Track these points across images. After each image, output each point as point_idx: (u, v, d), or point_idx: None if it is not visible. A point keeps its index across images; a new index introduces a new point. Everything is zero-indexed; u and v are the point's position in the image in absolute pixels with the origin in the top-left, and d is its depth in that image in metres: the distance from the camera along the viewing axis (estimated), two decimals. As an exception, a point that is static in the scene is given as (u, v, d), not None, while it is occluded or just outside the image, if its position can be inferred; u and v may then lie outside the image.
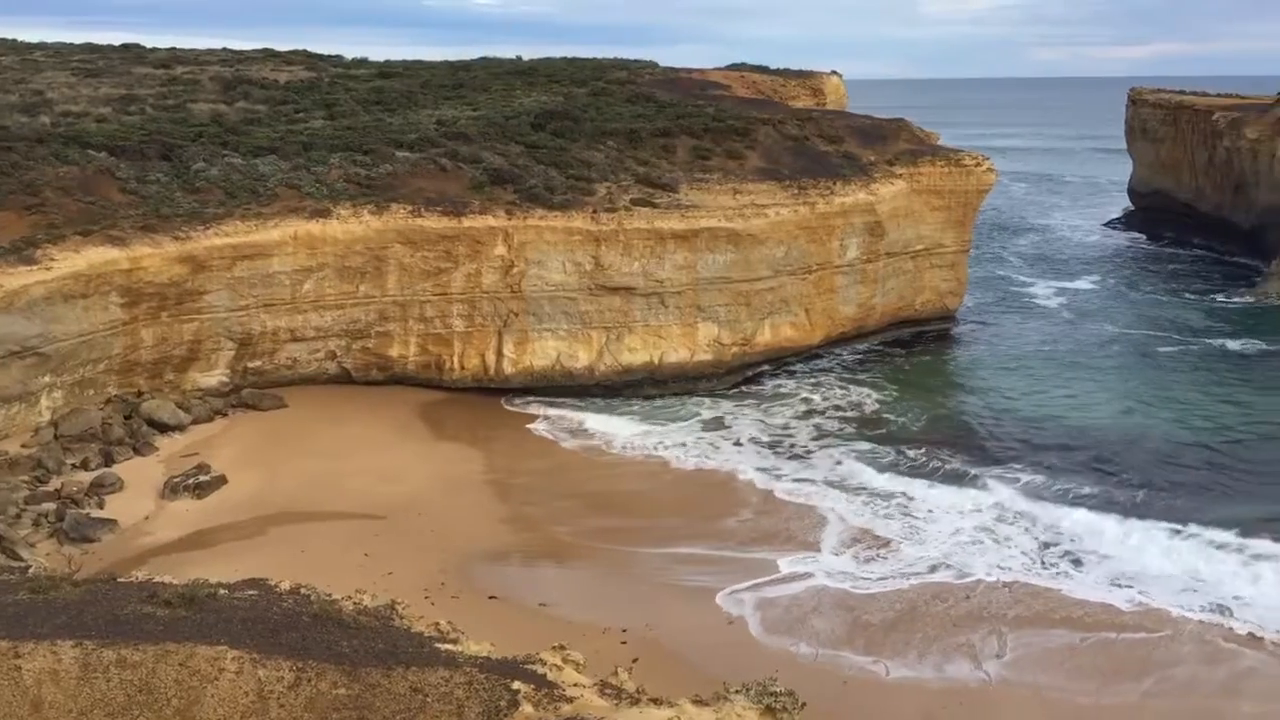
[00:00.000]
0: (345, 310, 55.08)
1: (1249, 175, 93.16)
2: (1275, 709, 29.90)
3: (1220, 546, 39.42)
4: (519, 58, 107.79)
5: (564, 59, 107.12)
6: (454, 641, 14.78)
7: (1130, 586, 36.76)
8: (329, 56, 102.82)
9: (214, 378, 53.00)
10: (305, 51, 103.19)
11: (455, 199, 56.65)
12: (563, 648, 14.80)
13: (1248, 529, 40.58)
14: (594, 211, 56.78)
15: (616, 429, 52.60)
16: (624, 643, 32.06)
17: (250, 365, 54.05)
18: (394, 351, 56.25)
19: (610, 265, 56.45)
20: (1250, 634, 33.64)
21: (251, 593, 16.57)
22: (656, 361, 58.15)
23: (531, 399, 56.32)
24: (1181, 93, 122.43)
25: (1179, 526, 41.22)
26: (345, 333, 55.55)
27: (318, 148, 61.05)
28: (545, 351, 56.89)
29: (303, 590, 16.79)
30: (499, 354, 56.55)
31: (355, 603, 16.35)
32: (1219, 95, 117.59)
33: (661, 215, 57.43)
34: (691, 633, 33.51)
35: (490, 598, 35.25)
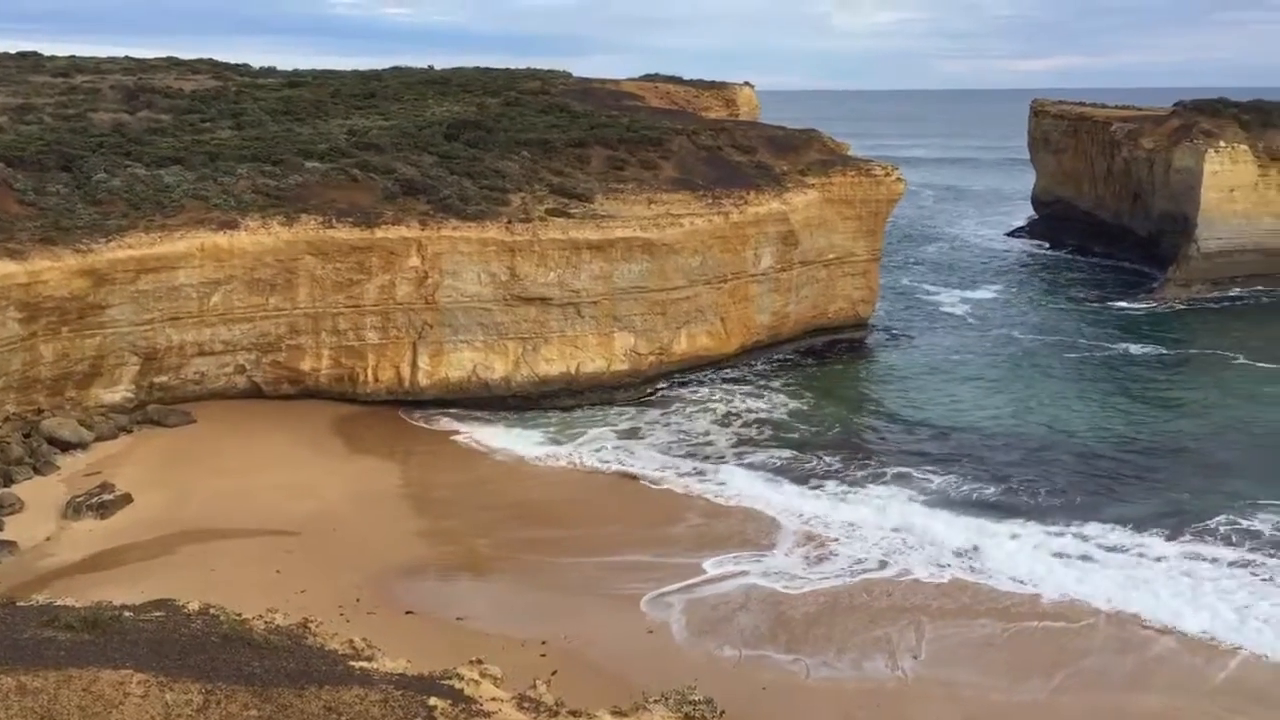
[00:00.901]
0: (255, 323, 54.04)
1: (1146, 184, 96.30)
2: (1167, 700, 30.85)
3: (1115, 549, 40.49)
4: (431, 67, 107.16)
5: (477, 69, 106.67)
6: (369, 659, 14.54)
7: (1036, 585, 37.61)
8: (236, 65, 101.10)
9: (118, 394, 51.55)
10: (211, 60, 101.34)
11: (368, 210, 55.97)
12: (480, 662, 14.64)
13: (1143, 526, 42.14)
14: (509, 222, 56.55)
15: (533, 440, 52.38)
16: (544, 655, 31.86)
17: (156, 381, 52.68)
18: (306, 365, 55.31)
19: (526, 276, 56.25)
20: (1148, 628, 34.68)
21: (158, 614, 16.10)
22: (573, 372, 58.05)
23: (448, 411, 55.79)
24: (1081, 105, 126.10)
25: (1083, 526, 42.40)
26: (255, 346, 54.48)
27: (225, 158, 59.88)
28: (461, 363, 56.44)
29: (212, 610, 16.36)
30: (414, 366, 55.94)
31: (266, 622, 15.99)
32: (1117, 107, 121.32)
33: (577, 225, 57.42)
34: (613, 641, 33.45)
35: (407, 613, 34.79)
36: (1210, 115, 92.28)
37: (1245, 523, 42.37)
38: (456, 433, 53.46)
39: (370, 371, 55.81)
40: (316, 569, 37.29)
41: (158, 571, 36.28)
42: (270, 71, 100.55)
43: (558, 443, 51.97)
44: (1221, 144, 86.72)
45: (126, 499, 42.32)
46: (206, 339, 53.27)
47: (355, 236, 54.41)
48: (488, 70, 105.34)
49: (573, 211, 58.66)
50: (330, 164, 60.23)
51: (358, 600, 34.91)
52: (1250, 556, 39.54)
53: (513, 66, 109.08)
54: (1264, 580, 37.80)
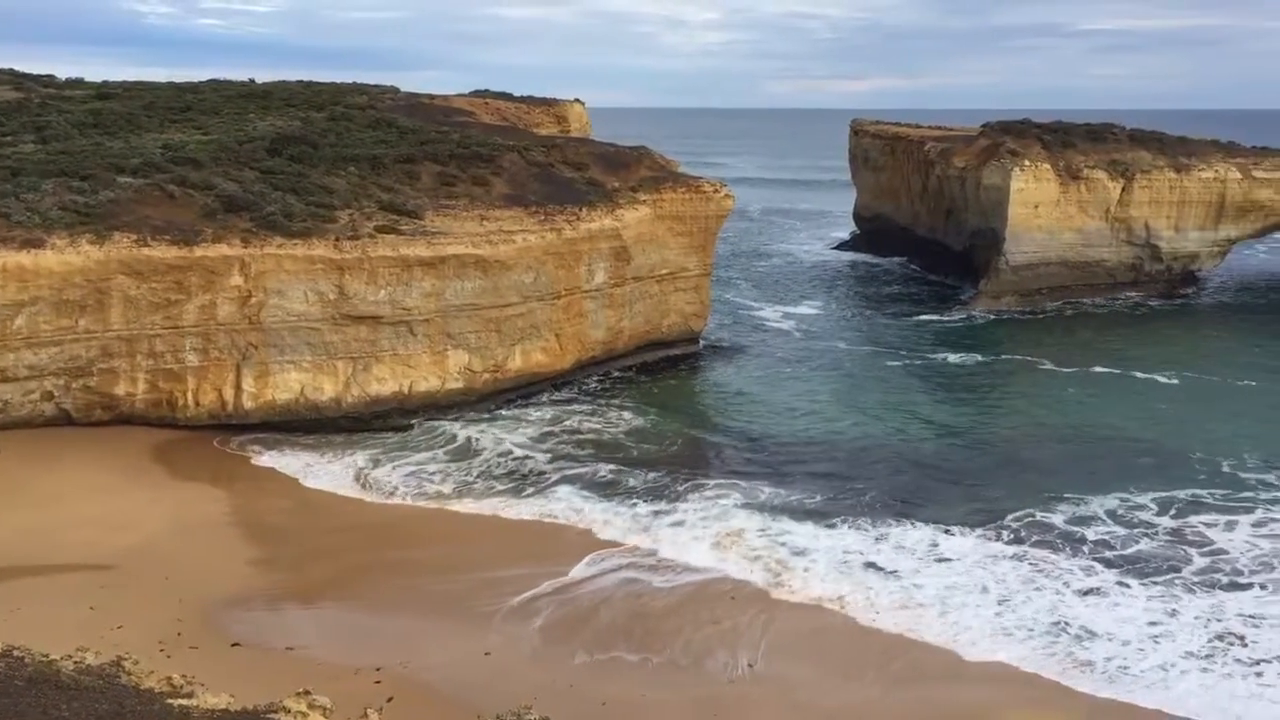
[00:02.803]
0: (63, 347, 51.15)
1: (958, 201, 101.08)
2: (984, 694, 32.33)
3: (929, 549, 42.24)
4: (251, 80, 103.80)
5: (300, 82, 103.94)
6: (188, 695, 13.89)
7: (852, 587, 38.85)
8: (39, 76, 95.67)
9: (-91, 425, 47.96)
10: (11, 70, 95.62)
11: (186, 227, 53.73)
12: (308, 693, 14.17)
13: (958, 524, 44.27)
14: (336, 239, 55.21)
15: (364, 462, 51.17)
16: (378, 682, 31.11)
17: (-47, 410, 49.26)
18: (120, 389, 52.63)
19: (355, 294, 54.99)
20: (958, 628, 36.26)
21: (-46, 660, 15.01)
22: (406, 391, 57.04)
23: (276, 435, 53.93)
24: (897, 125, 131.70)
25: (901, 529, 44.07)
26: (64, 371, 51.55)
27: (28, 173, 56.59)
28: (288, 385, 54.72)
29: (15, 652, 15.36)
30: (238, 389, 53.93)
31: (76, 662, 15.10)
32: (930, 127, 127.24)
33: (407, 242, 56.50)
34: (450, 665, 32.91)
35: (234, 645, 33.42)
36: (1015, 135, 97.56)
37: (1041, 515, 45.25)
38: (284, 455, 51.72)
39: (191, 395, 53.52)
40: (135, 604, 35.45)
41: (-44, 614, 33.84)
42: (78, 83, 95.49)
43: (389, 464, 50.88)
44: (1026, 163, 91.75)
45: (-80, 538, 39.38)
46: (9, 364, 50.13)
47: (172, 255, 52.14)
48: (311, 84, 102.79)
49: (403, 228, 57.71)
50: (145, 179, 57.60)
51: (179, 635, 33.33)
52: (1037, 552, 41.92)
53: (338, 80, 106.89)
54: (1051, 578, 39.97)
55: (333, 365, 55.45)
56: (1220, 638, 35.15)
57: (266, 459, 51.44)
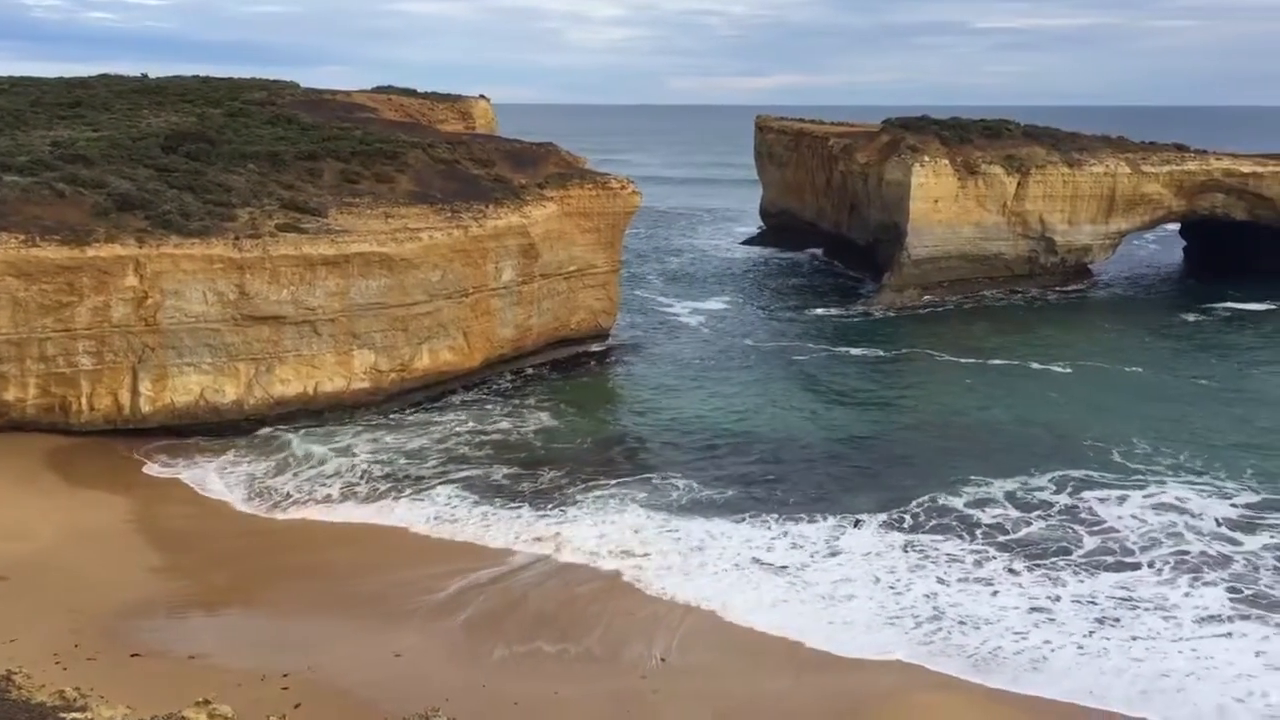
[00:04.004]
0: (-53, 352, 49.19)
1: (862, 196, 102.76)
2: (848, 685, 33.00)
3: (827, 542, 43.05)
4: (145, 75, 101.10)
5: (196, 77, 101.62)
6: (82, 709, 13.51)
7: (746, 585, 39.30)
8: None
9: None
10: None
11: (77, 227, 51.99)
12: (208, 702, 13.89)
13: (863, 515, 45.11)
14: (236, 238, 53.99)
15: (267, 466, 50.21)
16: (285, 688, 30.59)
17: None
18: (9, 395, 50.79)
19: (257, 294, 53.87)
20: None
21: None
22: (311, 392, 56.09)
23: (176, 439, 52.68)
24: (801, 121, 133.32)
25: (803, 523, 44.73)
26: (-51, 377, 49.57)
27: (-94, 171, 54.28)
28: (187, 387, 53.39)
29: (-103, 670, 14.76)
30: (135, 392, 52.46)
31: (-36, 678, 14.57)
32: (834, 123, 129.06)
33: (310, 241, 55.50)
34: (360, 668, 32.50)
35: (133, 655, 32.50)
36: (915, 132, 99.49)
37: (942, 501, 46.50)
38: (186, 461, 50.55)
39: (85, 400, 51.89)
40: (28, 615, 34.26)
41: None
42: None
43: (291, 470, 49.95)
44: (926, 158, 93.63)
45: None
46: (-111, 371, 48.08)
47: (63, 256, 50.43)
48: (208, 79, 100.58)
49: (305, 226, 56.66)
50: (32, 178, 55.60)
51: (76, 646, 32.33)
52: (932, 539, 43.08)
53: (236, 76, 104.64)
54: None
55: (234, 367, 54.26)
56: (1099, 620, 36.29)
57: (165, 464, 50.21)
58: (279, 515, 45.27)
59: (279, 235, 55.10)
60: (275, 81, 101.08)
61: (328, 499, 46.96)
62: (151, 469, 49.76)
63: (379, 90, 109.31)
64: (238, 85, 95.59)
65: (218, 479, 48.71)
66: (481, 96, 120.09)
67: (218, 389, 53.92)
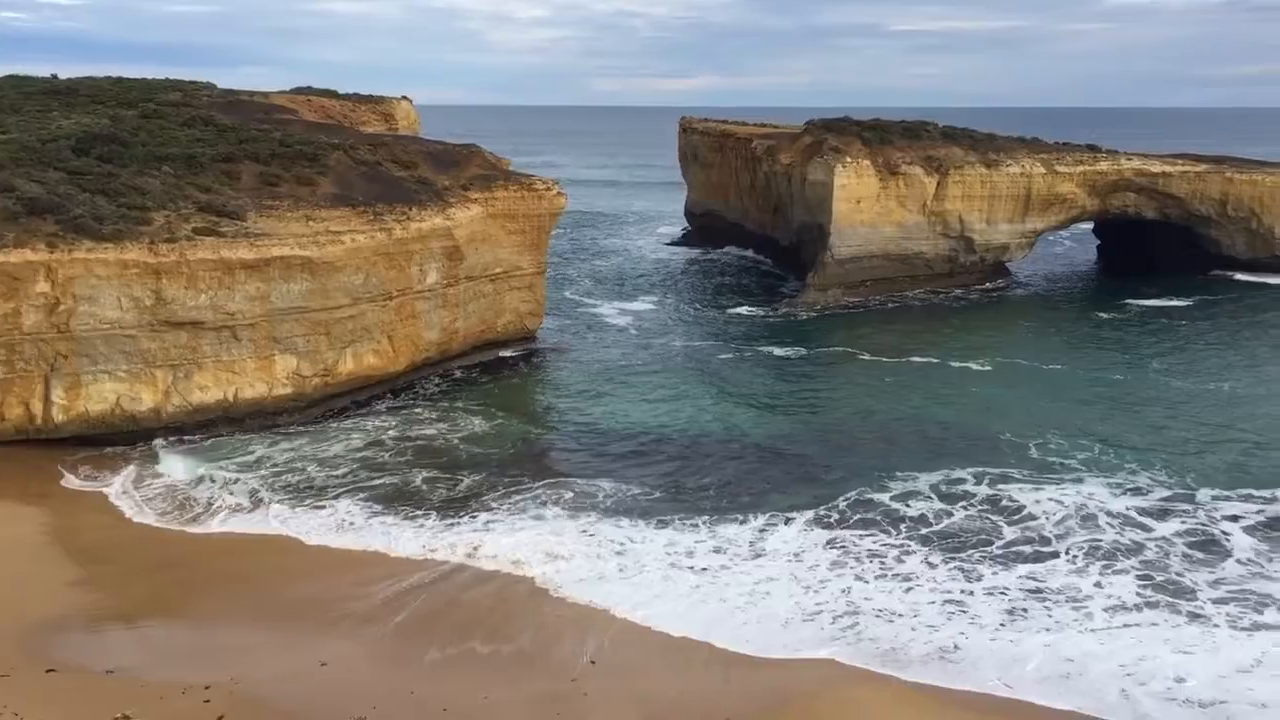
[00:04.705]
0: None
1: (785, 197, 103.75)
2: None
3: (751, 545, 43.40)
4: (55, 76, 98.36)
5: (109, 78, 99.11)
6: (-5, 727, 13.14)
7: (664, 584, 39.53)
8: None
9: None
10: None
11: (-16, 231, 50.47)
12: (127, 716, 13.59)
13: (803, 509, 45.57)
14: (152, 242, 52.81)
15: (184, 475, 49.24)
16: (207, 700, 30.07)
17: None
18: (-85, 406, 49.15)
19: (174, 299, 52.74)
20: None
21: None
22: (231, 399, 55.08)
23: (92, 448, 51.40)
24: (725, 122, 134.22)
25: (747, 518, 45.20)
26: None
27: None
28: (103, 395, 52.09)
29: None
30: (47, 401, 51.06)
31: None
32: (757, 124, 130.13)
33: (229, 244, 54.51)
34: (284, 678, 32.05)
35: (49, 671, 31.62)
36: (837, 133, 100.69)
37: (865, 498, 47.33)
38: (104, 472, 49.36)
39: (-5, 410, 50.38)
40: (-64, 635, 33.23)
41: None
42: None
43: (211, 479, 48.89)
44: (848, 159, 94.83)
45: None
46: None
47: (-30, 261, 48.93)
48: (121, 80, 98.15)
49: (224, 230, 55.64)
50: (-64, 181, 53.88)
51: (-11, 664, 31.42)
52: (853, 534, 43.75)
53: (150, 77, 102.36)
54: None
55: (151, 374, 53.07)
56: (1010, 611, 37.14)
57: (83, 476, 49.00)
58: (197, 527, 44.32)
59: (196, 239, 54.04)
60: (191, 82, 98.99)
61: (247, 509, 46.00)
62: (69, 480, 48.51)
63: (299, 91, 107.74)
64: (152, 86, 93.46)
65: (136, 490, 47.63)
66: (404, 98, 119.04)
67: (134, 397, 52.70)
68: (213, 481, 48.71)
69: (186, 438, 53.50)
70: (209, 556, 41.25)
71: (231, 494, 47.42)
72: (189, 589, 38.28)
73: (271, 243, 55.72)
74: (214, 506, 46.16)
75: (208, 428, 54.33)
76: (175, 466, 50.30)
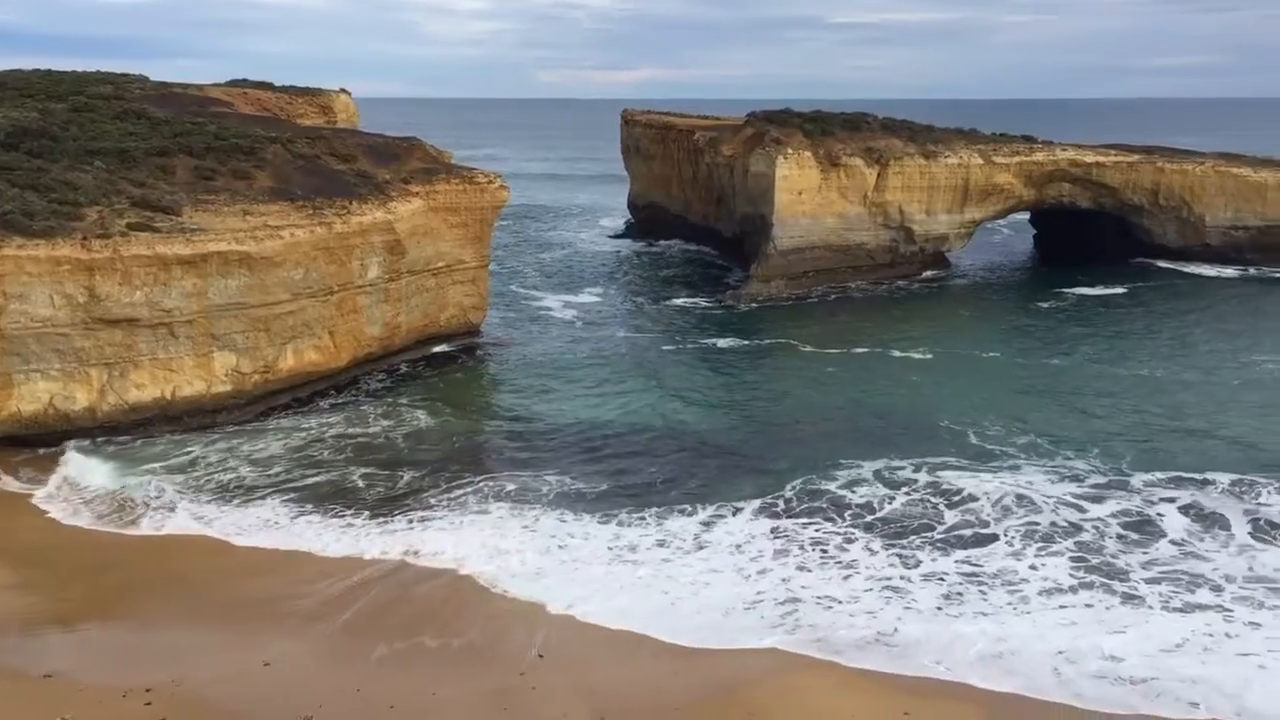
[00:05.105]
0: None
1: (728, 188, 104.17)
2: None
3: (694, 537, 43.47)
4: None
5: (37, 71, 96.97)
6: (-74, 734, 12.88)
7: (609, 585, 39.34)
8: None
9: None
10: None
11: (-92, 228, 49.20)
12: None
13: (748, 499, 45.88)
14: (84, 238, 51.78)
15: (119, 476, 48.30)
16: (148, 703, 29.72)
17: None
18: None
19: (108, 296, 51.79)
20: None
21: None
22: (169, 397, 54.23)
23: (24, 450, 50.36)
24: (667, 114, 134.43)
25: (694, 510, 45.45)
26: None
27: None
28: (35, 395, 51.03)
29: None
30: (-22, 402, 49.94)
31: None
32: (699, 116, 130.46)
33: (164, 240, 53.60)
34: (227, 679, 31.73)
35: (-19, 678, 31.08)
36: (779, 124, 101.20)
37: (809, 488, 47.78)
38: (37, 474, 48.39)
39: (-77, 411, 49.20)
40: None
41: None
42: None
43: (149, 480, 47.91)
44: (789, 150, 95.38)
45: None
46: None
47: (-106, 259, 47.69)
48: (51, 73, 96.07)
49: (159, 225, 54.67)
50: None
51: (-80, 671, 30.76)
52: (796, 524, 44.26)
53: (81, 69, 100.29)
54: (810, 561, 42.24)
55: (85, 373, 52.10)
56: (946, 596, 37.81)
57: (12, 477, 48.00)
58: (131, 529, 43.43)
59: (130, 235, 53.07)
60: (123, 75, 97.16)
61: (178, 510, 45.02)
62: (1, 482, 47.48)
63: (234, 84, 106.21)
64: (83, 79, 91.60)
65: (69, 492, 46.74)
66: (342, 90, 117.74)
67: (68, 396, 51.71)
68: (145, 483, 47.77)
69: (121, 438, 52.57)
70: (145, 558, 40.62)
71: (163, 495, 46.46)
72: (126, 591, 37.72)
73: (208, 238, 54.90)
74: (147, 508, 45.23)
75: (145, 427, 53.45)
76: (107, 468, 49.32)
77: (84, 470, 48.98)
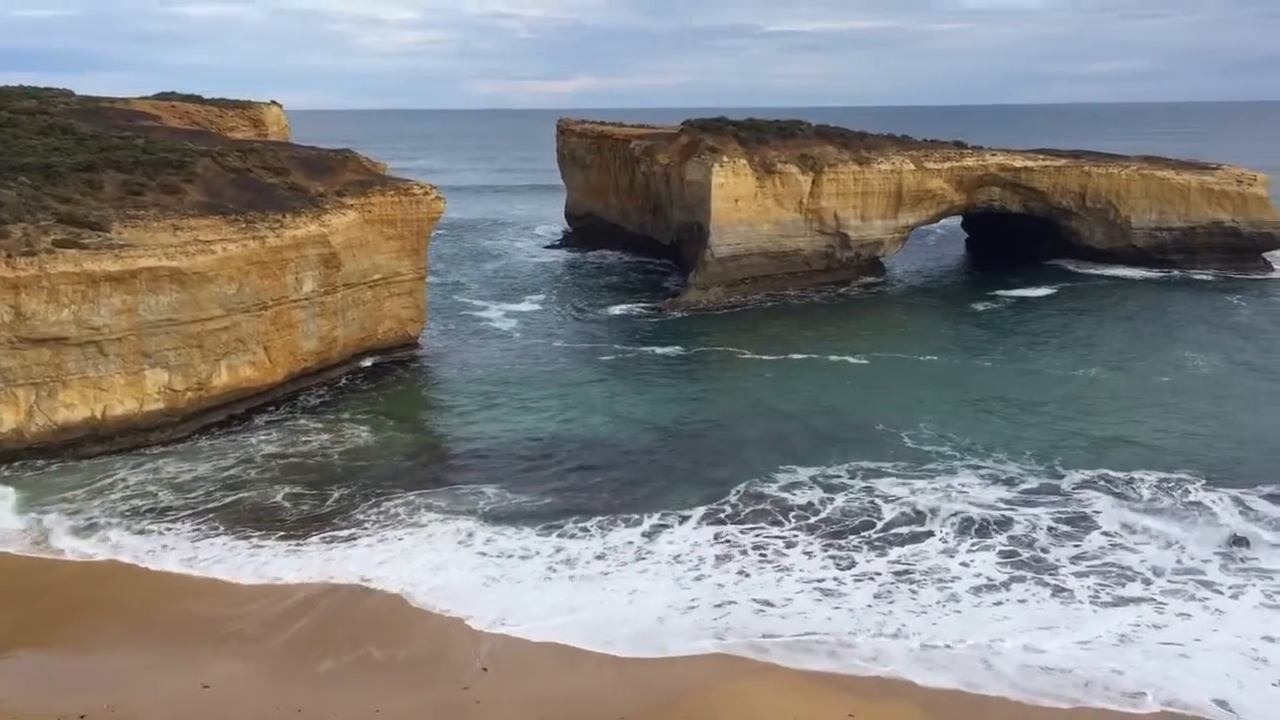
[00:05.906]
0: None
1: (664, 197, 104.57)
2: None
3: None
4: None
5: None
6: None
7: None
8: None
9: None
10: None
11: None
12: (-6, 747, 13.13)
13: (692, 506, 46.25)
14: (9, 256, 50.66)
15: (43, 501, 47.02)
16: (83, 729, 29.09)
17: None
18: None
19: (34, 314, 50.70)
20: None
21: None
22: (100, 416, 53.17)
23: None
24: (603, 124, 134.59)
25: (637, 519, 45.61)
26: None
27: None
28: (-40, 417, 49.78)
29: None
30: (-100, 426, 48.59)
31: None
32: (635, 126, 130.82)
33: (92, 256, 52.61)
34: (164, 703, 31.32)
35: (-91, 709, 30.29)
36: (713, 133, 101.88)
37: (752, 491, 48.34)
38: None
39: None
40: None
41: None
42: None
43: (76, 503, 46.74)
44: (725, 158, 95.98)
45: None
46: None
47: None
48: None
49: (86, 242, 53.65)
50: None
51: None
52: (736, 529, 44.63)
53: (1, 84, 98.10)
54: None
55: (11, 393, 50.94)
56: (878, 595, 38.46)
57: (-62, 501, 46.76)
58: (54, 555, 42.34)
59: (57, 251, 52.01)
60: (47, 89, 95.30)
61: (95, 535, 43.92)
62: (-79, 508, 46.25)
63: (162, 97, 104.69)
64: (5, 93, 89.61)
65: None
66: (273, 103, 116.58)
67: (-5, 418, 50.49)
68: (79, 507, 46.62)
69: (39, 462, 51.17)
70: (71, 585, 39.76)
71: (83, 521, 45.27)
72: (55, 618, 36.97)
73: (137, 253, 53.98)
74: (67, 533, 44.05)
75: (75, 448, 52.35)
76: (26, 494, 47.99)
77: (3, 498, 47.56)
